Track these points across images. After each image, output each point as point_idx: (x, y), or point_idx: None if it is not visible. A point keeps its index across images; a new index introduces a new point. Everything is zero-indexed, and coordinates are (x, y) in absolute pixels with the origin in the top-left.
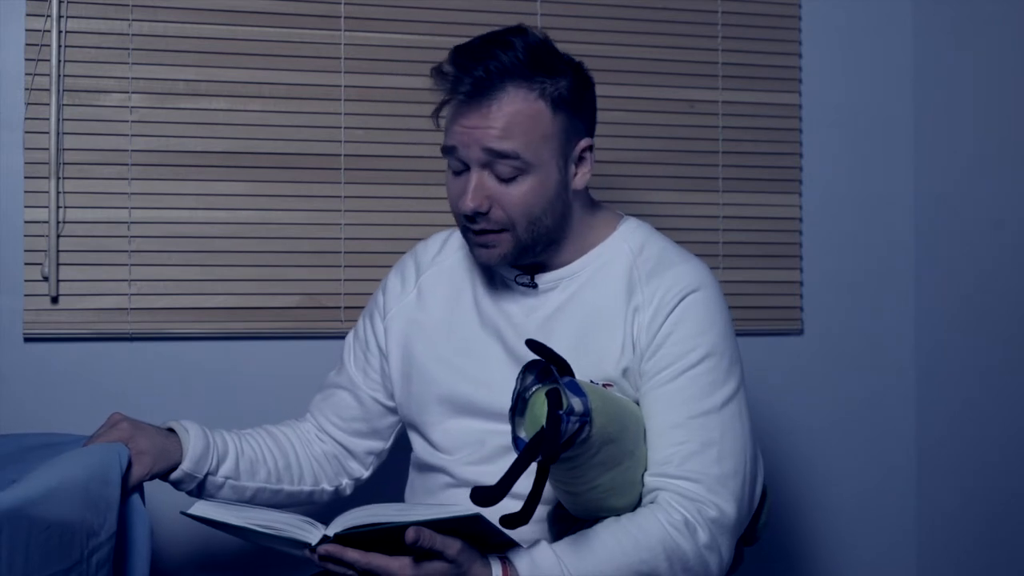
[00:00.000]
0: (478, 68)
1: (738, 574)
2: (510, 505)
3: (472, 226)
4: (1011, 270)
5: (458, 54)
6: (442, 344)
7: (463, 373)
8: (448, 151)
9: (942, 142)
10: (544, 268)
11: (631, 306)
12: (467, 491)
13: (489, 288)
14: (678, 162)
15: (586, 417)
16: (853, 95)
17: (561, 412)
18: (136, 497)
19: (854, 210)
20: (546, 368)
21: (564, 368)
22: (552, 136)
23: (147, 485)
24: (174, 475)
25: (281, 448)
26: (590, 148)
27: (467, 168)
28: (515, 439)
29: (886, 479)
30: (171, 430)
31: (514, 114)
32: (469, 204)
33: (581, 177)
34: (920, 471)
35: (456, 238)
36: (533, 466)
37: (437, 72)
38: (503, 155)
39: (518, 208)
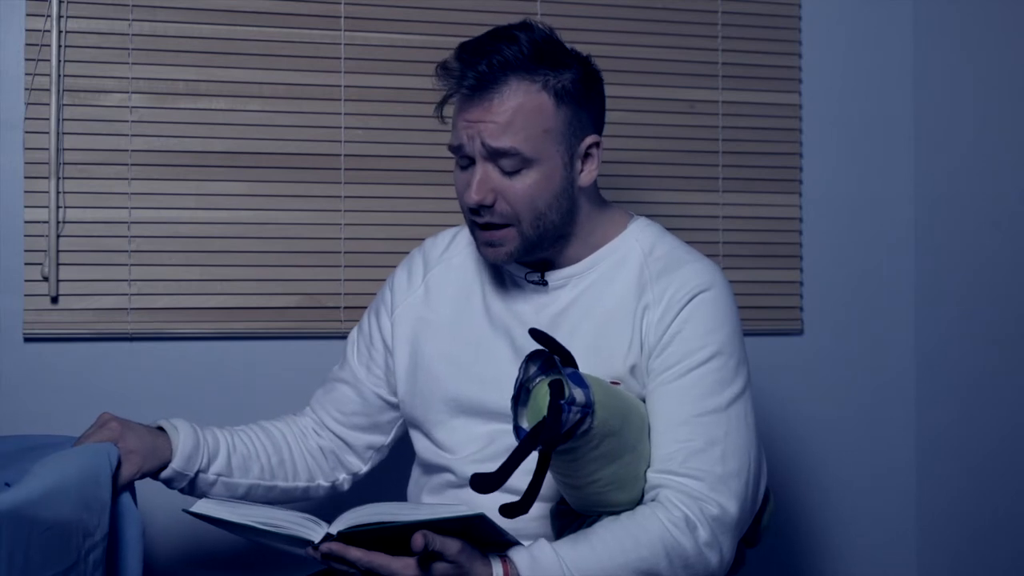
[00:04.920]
0: (481, 63)
1: (740, 575)
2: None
3: (478, 219)
4: (1011, 270)
5: (463, 50)
6: (450, 343)
7: (471, 373)
8: (454, 149)
9: (942, 142)
10: (552, 265)
11: (641, 304)
12: (471, 490)
13: (498, 286)
14: (678, 162)
15: (588, 408)
16: (853, 95)
17: (563, 402)
18: (127, 496)
19: (854, 210)
20: (550, 359)
21: (568, 359)
22: (555, 130)
23: (140, 485)
24: (164, 473)
25: (275, 444)
26: (596, 145)
27: (473, 162)
28: (517, 428)
29: (886, 479)
30: (161, 429)
31: (517, 108)
32: (474, 197)
33: (587, 174)
34: (920, 471)
35: (465, 235)
36: (535, 459)
37: (442, 68)
38: (504, 149)
39: (523, 202)
